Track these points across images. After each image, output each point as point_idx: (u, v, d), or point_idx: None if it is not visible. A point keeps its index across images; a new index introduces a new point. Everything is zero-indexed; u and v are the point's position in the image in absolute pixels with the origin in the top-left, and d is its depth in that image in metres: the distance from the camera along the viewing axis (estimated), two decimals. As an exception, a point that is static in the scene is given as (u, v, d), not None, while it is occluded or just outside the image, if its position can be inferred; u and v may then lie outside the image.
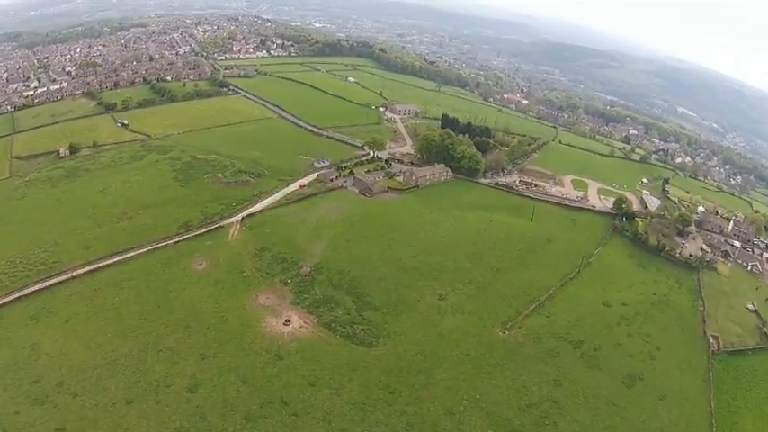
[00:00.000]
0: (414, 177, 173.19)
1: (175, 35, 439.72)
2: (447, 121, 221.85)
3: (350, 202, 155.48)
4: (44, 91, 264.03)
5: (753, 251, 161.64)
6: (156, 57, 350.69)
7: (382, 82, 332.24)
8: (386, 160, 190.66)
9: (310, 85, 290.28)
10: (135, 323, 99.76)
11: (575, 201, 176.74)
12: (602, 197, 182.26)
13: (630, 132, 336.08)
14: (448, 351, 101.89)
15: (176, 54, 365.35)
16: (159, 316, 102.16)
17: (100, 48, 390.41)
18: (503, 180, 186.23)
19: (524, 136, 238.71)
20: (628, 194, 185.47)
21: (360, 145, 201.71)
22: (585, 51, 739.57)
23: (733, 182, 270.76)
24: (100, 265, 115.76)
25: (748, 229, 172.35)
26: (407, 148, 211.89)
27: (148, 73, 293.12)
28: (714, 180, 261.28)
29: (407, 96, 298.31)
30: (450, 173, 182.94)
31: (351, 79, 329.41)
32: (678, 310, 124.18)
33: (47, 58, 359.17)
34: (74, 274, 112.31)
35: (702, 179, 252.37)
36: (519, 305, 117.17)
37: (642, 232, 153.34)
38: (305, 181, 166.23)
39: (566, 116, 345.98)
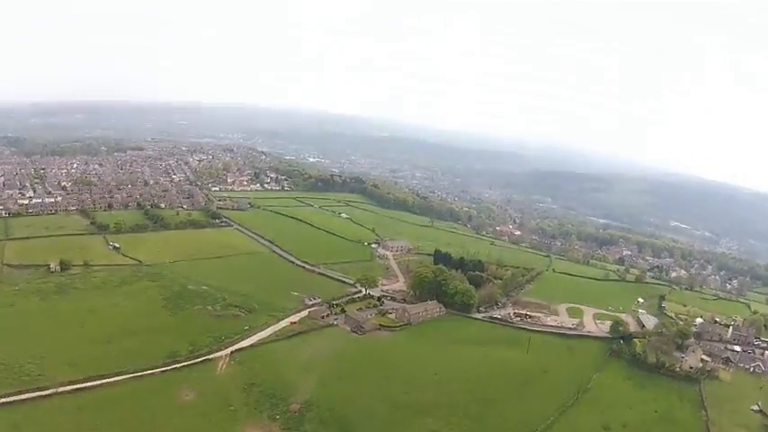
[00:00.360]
0: (406, 314, 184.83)
1: (171, 161, 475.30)
2: (440, 257, 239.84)
3: (341, 339, 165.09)
4: (39, 202, 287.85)
5: (754, 352, 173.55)
6: (151, 182, 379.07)
7: (375, 218, 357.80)
8: (378, 297, 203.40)
9: (303, 221, 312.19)
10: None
11: (570, 328, 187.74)
12: (598, 322, 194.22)
13: (624, 253, 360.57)
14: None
15: (171, 181, 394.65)
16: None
17: (96, 167, 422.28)
18: (497, 314, 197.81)
19: (518, 267, 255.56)
20: (624, 316, 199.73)
21: (352, 282, 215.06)
22: (575, 176, 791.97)
23: (729, 287, 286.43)
24: (86, 384, 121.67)
25: (748, 332, 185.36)
26: (400, 284, 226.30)
27: (143, 197, 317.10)
28: (710, 288, 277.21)
29: (400, 232, 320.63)
30: (444, 309, 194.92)
31: (343, 215, 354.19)
32: (681, 425, 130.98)
33: (44, 169, 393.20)
34: (58, 390, 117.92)
35: (699, 289, 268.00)
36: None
37: (641, 351, 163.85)
38: (296, 318, 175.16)
39: (559, 244, 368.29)
